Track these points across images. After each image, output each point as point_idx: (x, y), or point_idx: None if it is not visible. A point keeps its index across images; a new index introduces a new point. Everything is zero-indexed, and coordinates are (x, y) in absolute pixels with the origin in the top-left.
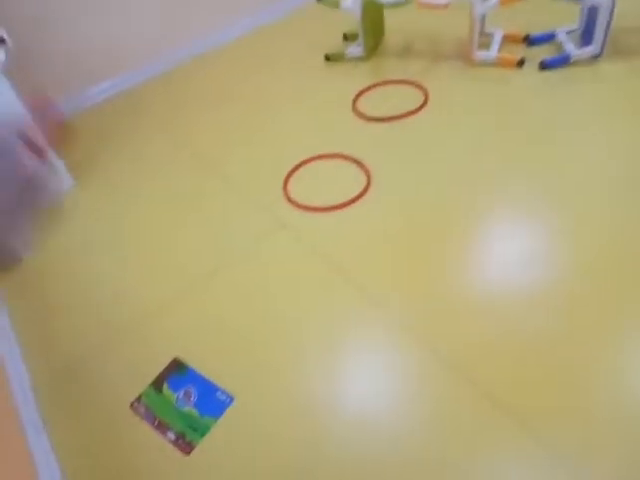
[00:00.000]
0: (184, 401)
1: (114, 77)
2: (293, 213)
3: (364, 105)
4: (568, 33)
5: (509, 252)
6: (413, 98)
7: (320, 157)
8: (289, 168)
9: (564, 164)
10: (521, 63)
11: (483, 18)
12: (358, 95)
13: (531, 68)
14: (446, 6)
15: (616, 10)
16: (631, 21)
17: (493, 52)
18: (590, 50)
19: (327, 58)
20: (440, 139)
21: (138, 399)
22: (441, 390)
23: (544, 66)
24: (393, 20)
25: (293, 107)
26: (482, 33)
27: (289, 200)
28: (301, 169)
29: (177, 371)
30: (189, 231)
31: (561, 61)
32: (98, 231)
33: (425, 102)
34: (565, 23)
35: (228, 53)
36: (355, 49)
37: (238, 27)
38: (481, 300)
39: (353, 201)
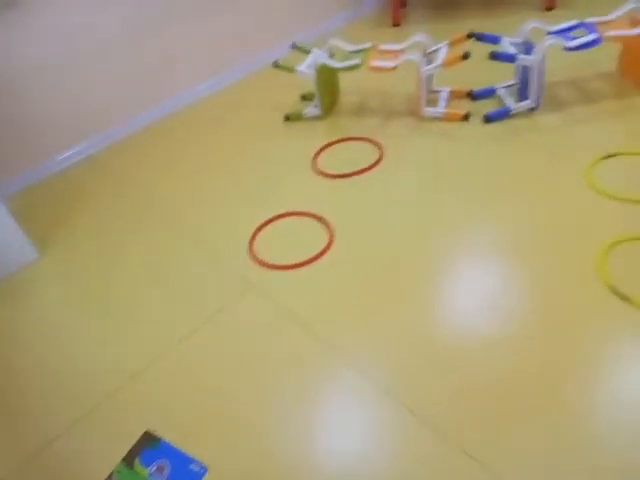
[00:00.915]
0: (157, 476)
1: (78, 144)
2: (260, 272)
3: (323, 163)
4: (506, 88)
5: (471, 300)
6: (369, 154)
7: (285, 215)
8: (255, 227)
9: (516, 210)
10: (467, 117)
11: (429, 78)
12: (317, 153)
13: (476, 121)
14: (394, 68)
15: (547, 67)
16: (561, 76)
17: (441, 108)
18: (527, 104)
19: (286, 118)
20: (397, 192)
21: (109, 477)
22: (416, 446)
23: (487, 119)
24: (348, 81)
25: (255, 168)
26: (430, 91)
27: (256, 260)
28: (266, 228)
29: (149, 445)
30: (156, 297)
31: (502, 114)
32: (62, 304)
33: (381, 157)
34: (503, 79)
35: (187, 116)
36: (312, 109)
37: (197, 91)
38: (448, 350)
39: (318, 257)
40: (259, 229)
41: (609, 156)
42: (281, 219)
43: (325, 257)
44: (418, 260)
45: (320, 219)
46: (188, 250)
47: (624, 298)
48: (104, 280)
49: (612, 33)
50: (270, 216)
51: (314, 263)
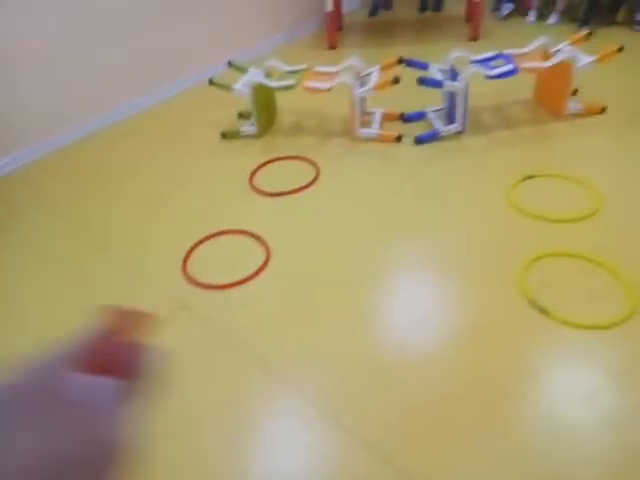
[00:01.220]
0: None
1: (6, 155)
2: (194, 293)
3: (260, 181)
4: (436, 112)
5: (405, 317)
6: (305, 173)
7: (219, 234)
8: (188, 246)
9: (444, 228)
10: (399, 139)
11: (362, 100)
12: (254, 171)
13: (408, 143)
14: (329, 89)
15: (471, 93)
16: (484, 101)
17: (374, 129)
18: (454, 127)
19: (223, 136)
20: (332, 211)
21: None
22: (352, 465)
23: (418, 141)
24: (284, 100)
25: (191, 185)
26: (363, 112)
27: (189, 279)
28: (200, 247)
29: None
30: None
31: (432, 137)
32: None
33: (316, 176)
34: (433, 103)
35: (124, 132)
36: (249, 127)
37: (132, 106)
38: (384, 368)
39: (254, 276)
40: (194, 248)
41: (528, 177)
42: (217, 237)
43: (262, 276)
44: (352, 279)
45: (257, 237)
46: (117, 270)
47: (542, 311)
48: (24, 307)
49: (527, 65)
50: (205, 234)
51: (250, 282)
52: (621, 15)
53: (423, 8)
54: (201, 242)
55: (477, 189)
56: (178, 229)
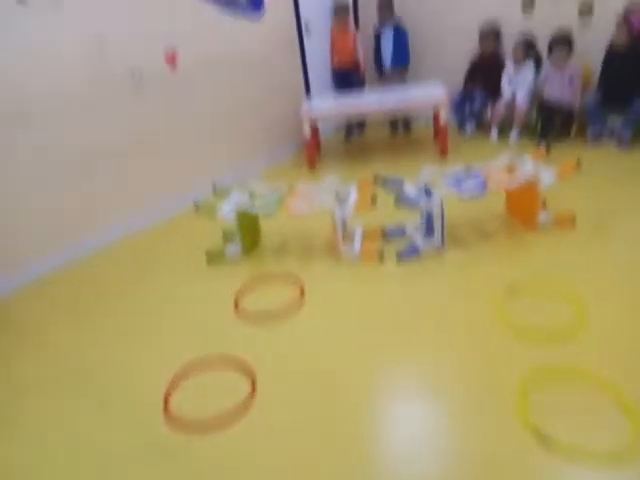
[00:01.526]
0: None
1: None
2: (175, 435)
3: (245, 304)
4: (414, 228)
5: (403, 444)
6: (290, 295)
7: (203, 364)
8: (170, 376)
9: (434, 351)
10: (381, 257)
11: (344, 221)
12: (239, 295)
13: (391, 259)
14: (311, 212)
15: (446, 208)
16: (459, 217)
17: (357, 248)
18: (434, 243)
19: (208, 258)
20: (319, 335)
21: None
22: None
23: (400, 258)
24: (268, 221)
25: (175, 312)
26: (345, 231)
27: (171, 418)
28: (184, 380)
29: None
30: (64, 464)
31: (412, 253)
32: None
33: (302, 298)
34: (411, 218)
35: (107, 258)
36: (234, 249)
37: (115, 232)
38: None
39: (240, 413)
40: (176, 381)
41: (513, 292)
42: (201, 368)
43: (246, 413)
44: (344, 408)
45: (242, 366)
46: (96, 409)
47: (545, 439)
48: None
49: (495, 182)
50: (189, 365)
51: (237, 420)
52: (574, 131)
53: (393, 130)
54: (184, 374)
55: (464, 307)
56: (160, 360)
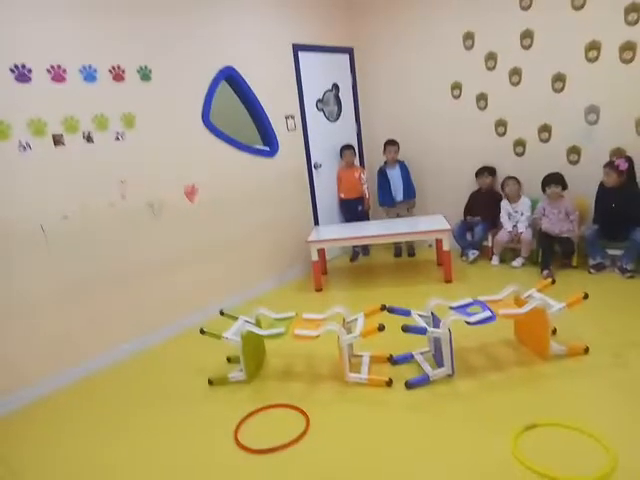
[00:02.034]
0: None
1: None
2: None
3: (247, 434)
4: (423, 354)
5: None
6: (295, 423)
7: None
8: None
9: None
10: (390, 383)
11: (350, 345)
12: (240, 423)
13: (399, 386)
14: (317, 337)
15: (455, 335)
16: (469, 342)
17: (364, 374)
18: (443, 371)
19: (210, 382)
20: (325, 467)
21: None
22: None
23: (409, 386)
24: (274, 343)
25: (174, 440)
26: (352, 355)
27: None
28: None
29: None
30: None
31: (422, 381)
32: None
33: (307, 427)
34: (419, 345)
35: (108, 378)
36: (237, 373)
37: (117, 353)
38: None
39: None
40: None
41: (529, 427)
42: None
43: None
44: None
45: None
46: None
47: None
48: None
49: (504, 312)
50: None
51: None
52: (575, 260)
53: (397, 254)
54: None
55: (477, 442)
56: None
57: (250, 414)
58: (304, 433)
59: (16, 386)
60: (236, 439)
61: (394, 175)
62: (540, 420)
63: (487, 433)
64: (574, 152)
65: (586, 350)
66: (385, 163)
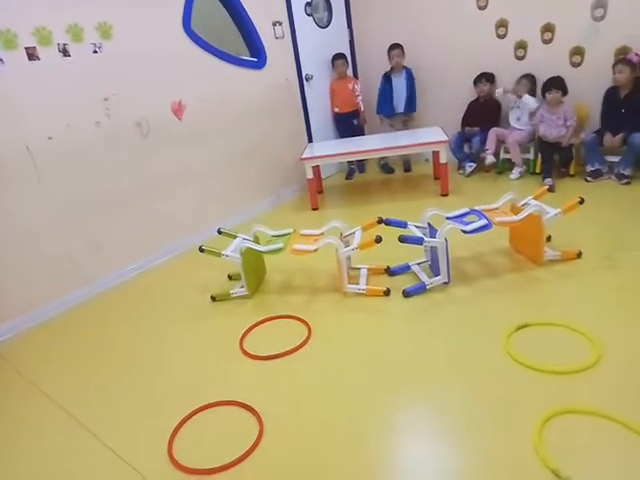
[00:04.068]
0: None
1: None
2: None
3: (252, 344)
4: (419, 264)
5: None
6: (297, 332)
7: (208, 407)
8: (176, 422)
9: (443, 387)
10: (387, 293)
11: (348, 258)
12: (245, 334)
13: (397, 296)
14: (315, 251)
15: (451, 245)
16: (465, 252)
17: (362, 285)
18: (440, 279)
19: (213, 298)
20: (327, 373)
21: None
22: None
23: (406, 294)
24: (273, 260)
25: (179, 353)
26: (350, 268)
27: (176, 465)
28: (189, 422)
29: None
30: None
31: (419, 289)
32: None
33: (309, 335)
34: (416, 256)
35: (114, 298)
36: (239, 289)
37: (119, 274)
38: None
39: (246, 456)
40: (180, 425)
41: (522, 327)
42: (205, 410)
43: (255, 455)
44: (353, 448)
45: (249, 408)
46: (93, 453)
47: None
48: None
49: (500, 219)
50: (195, 407)
51: (243, 462)
52: (572, 169)
53: (387, 171)
54: (189, 417)
55: (472, 341)
56: (164, 402)
57: (254, 325)
58: (306, 340)
59: (22, 310)
60: (242, 348)
61: (399, 83)
62: (532, 320)
63: (482, 333)
64: (577, 53)
65: (579, 255)
66: (391, 69)
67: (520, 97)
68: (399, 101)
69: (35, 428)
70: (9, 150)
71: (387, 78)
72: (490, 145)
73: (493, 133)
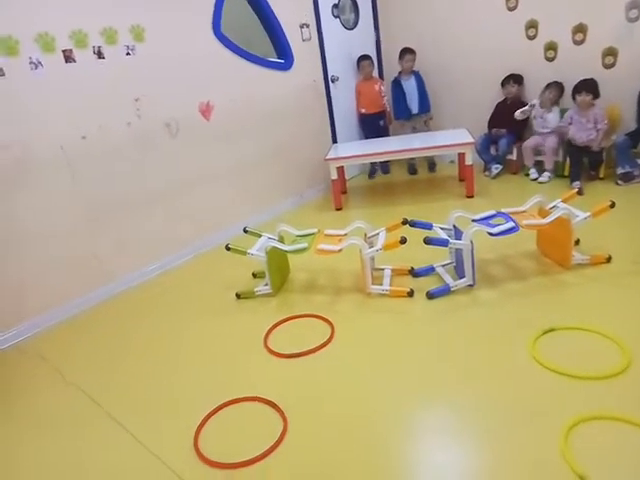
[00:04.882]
0: None
1: (12, 328)
2: (207, 473)
3: (275, 341)
4: (444, 266)
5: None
6: (320, 331)
7: (233, 402)
8: (200, 417)
9: (467, 390)
10: (411, 294)
11: (372, 259)
12: (269, 332)
13: (420, 297)
14: (339, 251)
15: (476, 247)
16: (490, 254)
17: (386, 285)
18: (464, 281)
19: (238, 296)
20: (350, 372)
21: None
22: None
23: (430, 296)
24: (297, 259)
25: (204, 350)
26: (374, 269)
27: (202, 458)
28: (214, 417)
29: None
30: None
31: (443, 291)
32: None
33: (331, 335)
34: (440, 257)
35: (138, 296)
36: (263, 287)
37: (148, 270)
38: None
39: (271, 451)
40: (206, 419)
41: (548, 331)
42: (230, 406)
43: (279, 451)
44: (375, 446)
45: (272, 405)
46: (120, 445)
47: None
48: None
49: (527, 222)
50: (219, 402)
51: (268, 457)
52: (602, 172)
53: (412, 172)
54: (214, 412)
55: (497, 344)
56: (190, 397)
57: (278, 323)
58: (329, 340)
59: (47, 307)
60: (266, 345)
61: (409, 86)
62: (558, 324)
63: (507, 337)
64: (610, 54)
65: (608, 259)
66: (399, 73)
67: (541, 108)
68: (412, 102)
69: (65, 419)
70: (44, 149)
71: (397, 83)
72: (529, 161)
73: (528, 150)
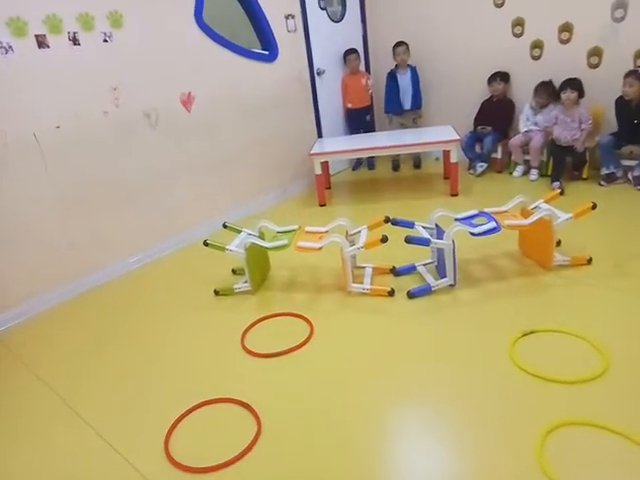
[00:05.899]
0: None
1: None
2: (177, 477)
3: (253, 341)
4: (425, 265)
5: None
6: (299, 330)
7: (205, 404)
8: (173, 418)
9: (445, 392)
10: (392, 293)
11: (353, 257)
12: (246, 330)
13: (401, 296)
14: (320, 249)
15: (458, 247)
16: (472, 254)
17: (366, 284)
18: (446, 281)
19: (216, 293)
20: (328, 372)
21: None
22: None
23: (411, 295)
24: (277, 256)
25: (181, 347)
26: (355, 267)
27: (172, 462)
28: (186, 419)
29: None
30: None
31: (424, 291)
32: None
33: (311, 334)
34: (422, 257)
35: (115, 290)
36: (243, 284)
37: (126, 264)
38: None
39: (243, 455)
40: (177, 422)
41: (528, 333)
42: (203, 407)
43: (251, 455)
44: (352, 448)
45: (247, 406)
46: (89, 448)
47: None
48: None
49: (509, 222)
50: (192, 403)
51: (241, 461)
52: (586, 172)
53: (395, 168)
54: (187, 414)
55: (476, 346)
56: (163, 397)
57: (256, 322)
58: (308, 339)
59: (24, 299)
60: (243, 344)
61: (404, 80)
62: (538, 326)
63: (486, 338)
64: (595, 54)
65: (589, 261)
66: (396, 67)
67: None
68: (405, 98)
69: (34, 419)
70: (16, 137)
71: (392, 76)
72: (518, 158)
73: (516, 149)
